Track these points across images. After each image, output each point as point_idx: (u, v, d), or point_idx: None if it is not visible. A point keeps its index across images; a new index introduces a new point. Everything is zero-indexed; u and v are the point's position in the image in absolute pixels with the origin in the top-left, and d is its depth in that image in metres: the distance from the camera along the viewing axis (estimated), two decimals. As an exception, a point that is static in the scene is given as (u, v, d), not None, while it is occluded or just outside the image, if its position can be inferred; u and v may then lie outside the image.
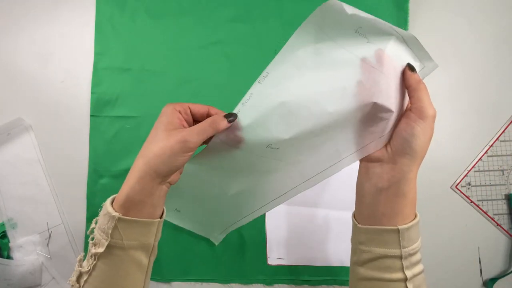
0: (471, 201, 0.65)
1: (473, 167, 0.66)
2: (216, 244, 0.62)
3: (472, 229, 0.64)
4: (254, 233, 0.64)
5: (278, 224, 0.64)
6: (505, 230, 0.64)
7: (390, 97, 0.37)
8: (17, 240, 0.64)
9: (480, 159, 0.66)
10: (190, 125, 0.39)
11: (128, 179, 0.37)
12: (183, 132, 0.36)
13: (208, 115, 0.39)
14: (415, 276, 0.36)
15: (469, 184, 0.65)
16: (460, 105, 0.67)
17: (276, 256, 0.64)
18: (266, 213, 0.64)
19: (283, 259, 0.64)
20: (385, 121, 0.38)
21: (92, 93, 0.66)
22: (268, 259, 0.64)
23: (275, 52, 0.68)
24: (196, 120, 0.40)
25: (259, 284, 0.64)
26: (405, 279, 0.35)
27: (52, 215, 0.65)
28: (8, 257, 0.63)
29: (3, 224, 0.64)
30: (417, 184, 0.64)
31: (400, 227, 0.36)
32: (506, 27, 0.68)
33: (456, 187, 0.65)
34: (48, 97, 0.67)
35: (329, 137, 0.40)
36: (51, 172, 0.66)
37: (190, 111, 0.39)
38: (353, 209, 0.64)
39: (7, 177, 0.65)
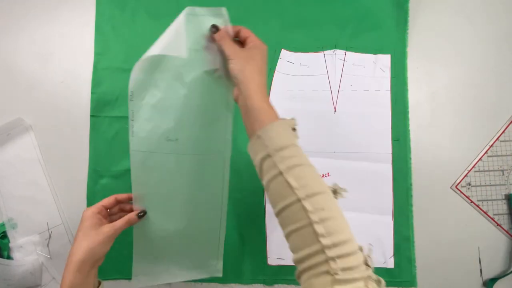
0: (471, 201, 0.65)
1: (473, 167, 0.66)
2: (221, 275, 0.60)
3: (472, 229, 0.64)
4: (254, 233, 0.64)
5: (278, 224, 0.64)
6: (505, 230, 0.64)
7: (214, 61, 0.49)
8: (17, 240, 0.64)
9: (480, 159, 0.66)
10: (106, 217, 0.52)
11: (68, 269, 0.46)
12: (108, 228, 0.49)
13: (116, 200, 0.53)
14: (291, 168, 0.38)
15: (469, 184, 0.65)
16: (460, 105, 0.67)
17: (276, 256, 0.64)
18: (266, 213, 0.64)
19: (283, 259, 0.64)
20: (222, 75, 0.49)
21: (92, 93, 0.66)
22: (268, 259, 0.64)
23: (275, 52, 0.68)
24: (109, 209, 0.53)
25: (259, 284, 0.64)
26: (280, 172, 0.38)
27: (52, 215, 0.65)
28: (8, 257, 0.63)
29: (3, 224, 0.64)
30: (417, 184, 0.65)
31: (258, 132, 0.41)
32: (506, 27, 0.68)
33: (456, 187, 0.65)
34: (48, 97, 0.67)
35: (207, 107, 0.51)
36: (51, 172, 0.66)
37: (104, 207, 0.52)
38: (353, 209, 0.64)
39: (7, 177, 0.66)
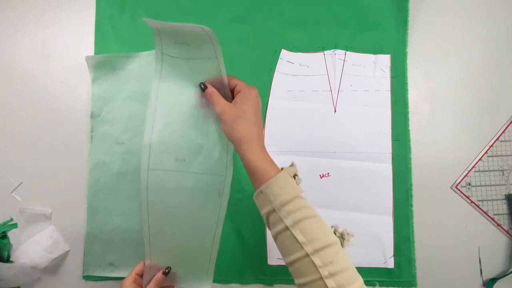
0: (471, 201, 0.65)
1: (473, 167, 0.66)
2: None
3: (472, 229, 0.64)
4: (254, 233, 0.64)
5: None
6: (505, 230, 0.64)
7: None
8: (18, 240, 0.64)
9: (480, 159, 0.66)
10: (140, 284, 0.53)
11: None
12: None
13: (146, 267, 0.53)
14: (297, 222, 0.40)
15: (469, 184, 0.65)
16: (460, 105, 0.67)
17: (276, 256, 0.64)
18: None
19: (283, 259, 0.64)
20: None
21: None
22: (268, 259, 0.64)
23: (275, 52, 0.68)
24: (141, 275, 0.53)
25: (259, 284, 0.64)
26: (286, 227, 0.40)
27: (52, 215, 0.65)
28: (8, 257, 0.63)
29: (3, 224, 0.64)
30: (417, 184, 0.65)
31: (260, 187, 0.43)
32: (506, 27, 0.68)
33: (456, 187, 0.65)
34: (48, 97, 0.67)
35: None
36: (51, 172, 0.66)
37: (137, 275, 0.53)
38: (353, 209, 0.64)
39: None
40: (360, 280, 0.38)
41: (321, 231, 0.40)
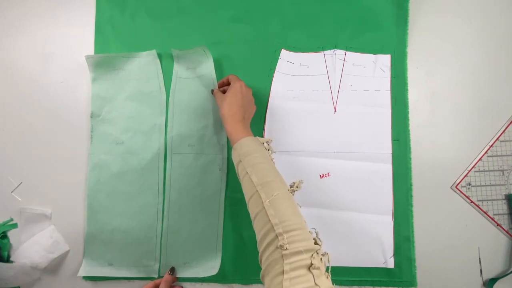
0: (471, 201, 0.65)
1: (473, 167, 0.66)
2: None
3: (472, 229, 0.64)
4: (254, 233, 0.64)
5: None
6: (505, 230, 0.64)
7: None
8: (18, 240, 0.64)
9: (480, 159, 0.66)
10: None
11: None
12: None
13: (155, 284, 0.61)
14: (254, 167, 0.48)
15: (469, 184, 0.65)
16: (460, 105, 0.67)
17: (276, 256, 0.64)
18: (266, 213, 0.64)
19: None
20: None
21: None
22: (268, 259, 0.64)
23: (275, 52, 0.68)
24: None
25: (259, 284, 0.64)
26: (247, 172, 0.48)
27: (52, 215, 0.65)
28: (8, 257, 0.63)
29: (3, 224, 0.64)
30: (417, 184, 0.65)
31: (233, 146, 0.53)
32: (506, 27, 0.68)
33: (456, 187, 0.65)
34: (48, 97, 0.67)
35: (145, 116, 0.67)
36: (51, 172, 0.66)
37: (155, 285, 0.61)
38: (353, 209, 0.64)
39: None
40: (296, 214, 0.43)
41: (269, 173, 0.48)
